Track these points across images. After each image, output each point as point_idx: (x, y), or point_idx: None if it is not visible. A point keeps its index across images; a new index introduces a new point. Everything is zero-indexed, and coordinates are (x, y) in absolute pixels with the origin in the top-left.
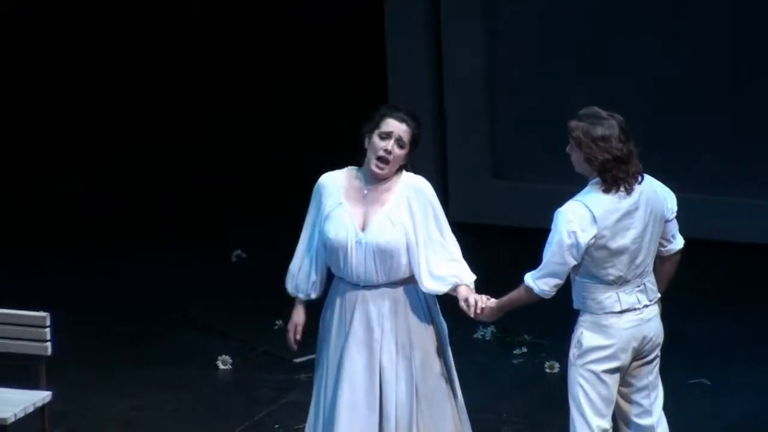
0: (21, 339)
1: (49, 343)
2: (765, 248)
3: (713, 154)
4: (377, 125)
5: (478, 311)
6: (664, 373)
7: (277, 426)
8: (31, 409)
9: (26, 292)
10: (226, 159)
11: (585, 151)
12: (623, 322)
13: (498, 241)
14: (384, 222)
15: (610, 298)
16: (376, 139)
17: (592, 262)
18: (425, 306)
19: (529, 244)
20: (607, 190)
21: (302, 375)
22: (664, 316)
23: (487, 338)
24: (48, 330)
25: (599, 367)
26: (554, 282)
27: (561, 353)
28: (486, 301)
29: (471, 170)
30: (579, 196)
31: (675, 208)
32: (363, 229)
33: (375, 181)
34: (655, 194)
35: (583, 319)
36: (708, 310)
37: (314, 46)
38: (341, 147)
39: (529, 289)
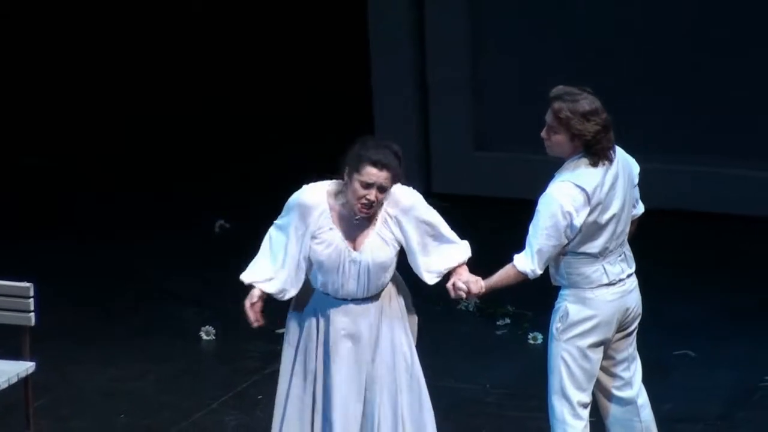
0: (4, 310)
1: (32, 314)
2: (744, 219)
3: (700, 124)
4: (357, 170)
5: (469, 296)
6: (649, 346)
7: (260, 396)
8: (15, 380)
9: (7, 263)
10: (218, 149)
11: (576, 128)
12: (609, 294)
13: (481, 211)
14: (376, 241)
15: (597, 271)
16: (357, 185)
17: (580, 238)
18: (403, 307)
19: (512, 214)
20: (594, 164)
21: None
22: (645, 290)
23: (470, 309)
24: (32, 301)
25: (584, 342)
26: (545, 261)
27: (544, 324)
28: (475, 288)
29: (453, 142)
30: (567, 176)
31: (638, 171)
32: (355, 249)
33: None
34: (626, 161)
35: (567, 293)
36: (687, 282)
37: (303, 35)
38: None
39: (523, 274)
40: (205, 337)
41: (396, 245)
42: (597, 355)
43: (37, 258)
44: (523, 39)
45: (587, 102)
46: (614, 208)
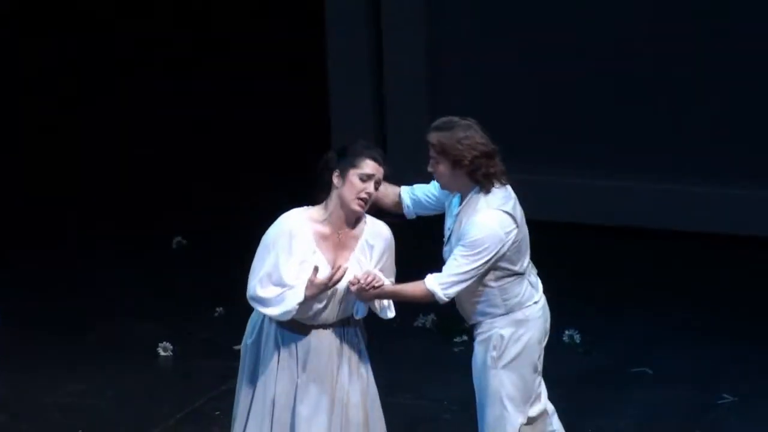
0: None
1: None
2: (701, 236)
3: (641, 142)
4: (354, 165)
5: (366, 286)
6: (606, 363)
7: (217, 413)
8: None
9: None
10: (176, 165)
11: (452, 155)
12: (536, 311)
13: (437, 229)
14: (354, 267)
15: (526, 289)
16: (355, 179)
17: (509, 259)
18: (363, 345)
19: None
20: (487, 191)
21: None
22: (604, 307)
23: (428, 326)
24: None
25: (522, 363)
26: (463, 288)
27: None
28: (376, 284)
29: (410, 159)
30: (486, 206)
31: None
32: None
33: (346, 225)
34: None
35: (496, 321)
36: (644, 299)
37: (260, 58)
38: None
39: (431, 294)
40: (162, 353)
41: None
42: (535, 374)
43: None
44: (482, 56)
45: (461, 129)
46: (524, 221)
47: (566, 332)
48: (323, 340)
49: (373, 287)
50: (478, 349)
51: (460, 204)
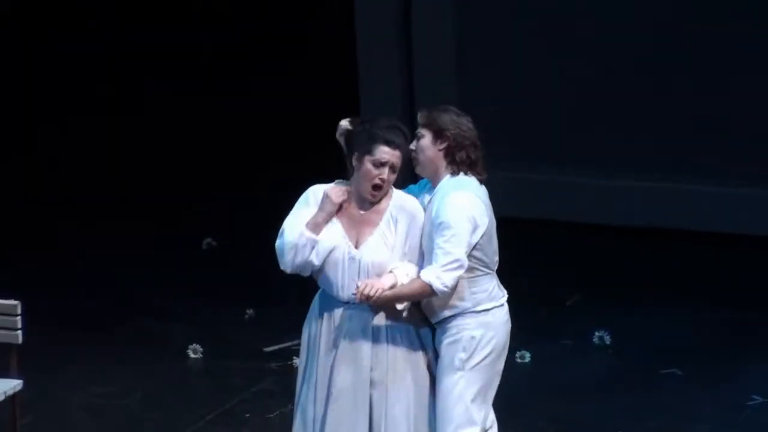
0: None
1: (20, 332)
2: (727, 237)
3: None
4: (370, 151)
5: (366, 299)
6: (636, 364)
7: (247, 415)
8: (1, 398)
9: None
10: (207, 168)
11: (437, 125)
12: (503, 315)
13: None
14: (378, 242)
15: (494, 287)
16: (369, 166)
17: (482, 249)
18: (414, 332)
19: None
20: (460, 173)
21: (273, 364)
22: (634, 308)
23: None
24: (19, 318)
25: (491, 366)
26: (460, 274)
27: (532, 342)
28: (372, 293)
29: None
30: (456, 187)
31: None
32: (356, 247)
33: (368, 203)
34: None
35: (465, 323)
36: (674, 301)
37: (289, 57)
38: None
39: (428, 287)
40: (192, 355)
41: (392, 249)
42: (496, 379)
43: (22, 275)
44: (507, 59)
45: (452, 113)
46: (493, 220)
47: (596, 333)
48: (354, 319)
49: (369, 296)
50: (446, 351)
51: (431, 195)
